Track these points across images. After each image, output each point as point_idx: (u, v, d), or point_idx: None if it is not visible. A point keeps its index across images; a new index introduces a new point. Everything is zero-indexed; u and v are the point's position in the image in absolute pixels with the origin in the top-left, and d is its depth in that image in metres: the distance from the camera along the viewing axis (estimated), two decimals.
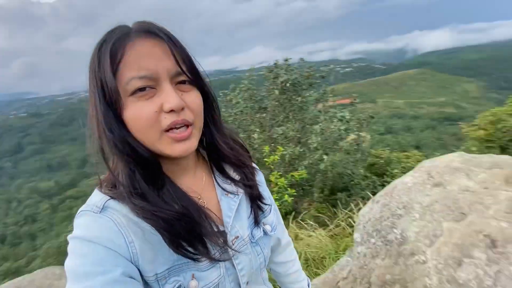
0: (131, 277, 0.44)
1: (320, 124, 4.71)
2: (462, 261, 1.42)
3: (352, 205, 3.22)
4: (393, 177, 4.80)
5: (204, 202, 0.57)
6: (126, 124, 0.47)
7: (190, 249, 0.48)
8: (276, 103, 5.48)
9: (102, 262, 0.43)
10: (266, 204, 0.66)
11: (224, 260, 0.54)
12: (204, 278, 0.52)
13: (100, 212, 0.47)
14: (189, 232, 0.48)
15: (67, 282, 0.43)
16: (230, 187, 0.62)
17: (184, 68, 0.48)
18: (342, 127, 4.48)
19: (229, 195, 0.61)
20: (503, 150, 3.83)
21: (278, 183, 3.02)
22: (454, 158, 1.94)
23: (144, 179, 0.48)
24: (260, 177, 0.69)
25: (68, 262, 0.44)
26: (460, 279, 1.37)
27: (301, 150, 4.75)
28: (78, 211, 0.49)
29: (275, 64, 6.08)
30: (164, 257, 0.48)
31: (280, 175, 3.22)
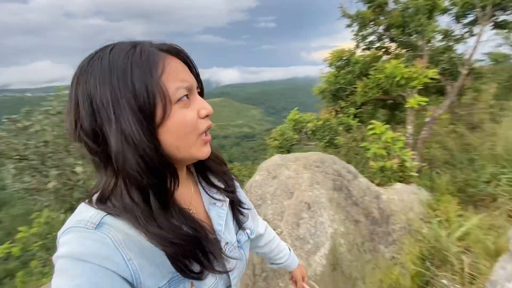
0: None
1: None
2: (299, 223, 2.13)
3: None
4: None
5: (193, 212, 0.58)
6: (159, 135, 0.46)
7: (194, 269, 0.49)
8: None
9: (98, 285, 0.40)
10: (246, 209, 0.71)
11: (225, 272, 0.57)
12: (202, 285, 0.54)
13: (95, 228, 0.44)
14: (197, 252, 0.50)
15: None
16: (217, 195, 0.64)
17: (201, 82, 0.56)
18: None
19: (217, 203, 0.64)
20: (289, 152, 5.72)
21: None
22: (277, 158, 2.80)
23: (157, 199, 0.47)
24: (237, 184, 0.72)
25: (59, 282, 0.40)
26: (301, 235, 2.05)
27: None
28: (65, 228, 0.45)
29: None
30: (164, 270, 0.48)
31: None
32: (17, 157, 4.67)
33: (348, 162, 3.39)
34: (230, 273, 0.61)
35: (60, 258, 0.42)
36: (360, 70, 4.93)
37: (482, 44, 4.29)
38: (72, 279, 0.40)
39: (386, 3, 4.25)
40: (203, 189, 0.64)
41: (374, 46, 5.08)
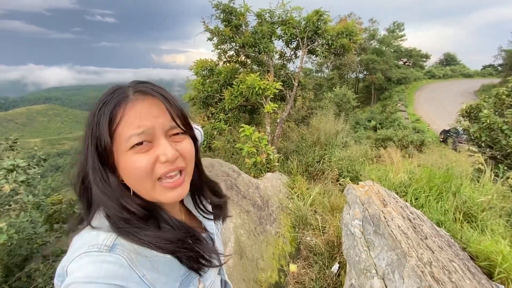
0: None
1: None
2: None
3: None
4: None
5: (183, 219, 0.64)
6: (120, 176, 0.52)
7: (203, 261, 0.55)
8: None
9: None
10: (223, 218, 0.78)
11: (221, 265, 0.63)
12: (207, 278, 0.60)
13: (109, 251, 0.46)
14: (195, 249, 0.55)
15: None
16: (206, 214, 0.71)
17: (178, 122, 0.53)
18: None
19: (207, 218, 0.71)
20: None
21: None
22: None
23: (143, 218, 0.51)
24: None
25: None
26: None
27: None
28: (76, 254, 0.45)
29: None
30: (173, 277, 0.53)
31: None
32: None
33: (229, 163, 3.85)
34: (223, 267, 0.70)
35: (75, 284, 0.42)
36: (224, 80, 5.55)
37: (304, 63, 6.04)
38: None
39: (240, 25, 5.05)
40: (197, 209, 0.70)
41: (233, 60, 5.87)
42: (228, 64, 5.84)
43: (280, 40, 5.70)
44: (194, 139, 0.60)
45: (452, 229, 2.62)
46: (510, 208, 3.07)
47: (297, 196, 3.99)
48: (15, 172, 3.70)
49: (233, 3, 4.89)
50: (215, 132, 5.12)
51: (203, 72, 5.89)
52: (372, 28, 32.26)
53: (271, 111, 4.86)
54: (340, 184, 4.87)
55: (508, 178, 3.79)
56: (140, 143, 0.49)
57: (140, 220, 0.51)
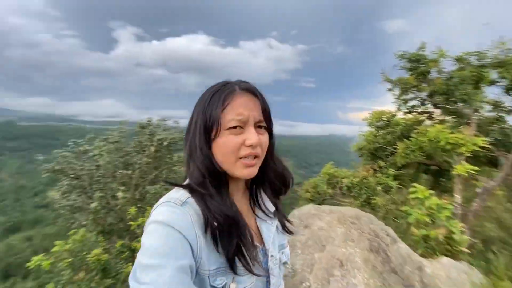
0: (191, 271, 0.54)
1: None
2: (329, 280, 1.99)
3: None
4: None
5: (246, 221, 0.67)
6: (213, 148, 0.64)
7: (243, 257, 0.59)
8: (150, 160, 5.23)
9: (177, 248, 0.53)
10: (290, 233, 0.79)
11: (262, 275, 0.64)
12: (242, 282, 0.62)
13: (181, 205, 0.58)
14: (238, 237, 0.60)
15: (142, 255, 0.52)
16: (265, 216, 0.75)
17: (265, 118, 0.67)
18: None
19: (267, 220, 0.75)
20: (321, 204, 5.53)
21: None
22: (310, 207, 2.76)
23: (213, 185, 0.63)
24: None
25: (148, 240, 0.53)
26: None
27: None
28: (161, 202, 0.60)
29: (148, 121, 6.02)
30: (214, 258, 0.59)
31: None
32: (73, 175, 5.23)
33: (386, 225, 3.18)
34: (271, 283, 0.69)
35: (153, 223, 0.56)
36: (401, 131, 4.89)
37: None
38: (159, 238, 0.53)
39: (428, 72, 4.40)
40: (257, 207, 0.75)
41: (416, 111, 5.10)
42: (408, 114, 5.13)
43: (495, 85, 4.26)
44: (271, 134, 0.71)
45: None
46: None
47: None
48: None
49: (423, 51, 4.38)
50: (379, 188, 4.48)
51: (378, 124, 5.53)
52: None
53: (466, 174, 3.58)
54: None
55: None
56: (235, 127, 0.62)
57: (212, 188, 0.62)
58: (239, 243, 0.60)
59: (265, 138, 0.67)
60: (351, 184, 4.77)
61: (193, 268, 0.54)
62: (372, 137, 5.41)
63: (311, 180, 6.03)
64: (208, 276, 0.58)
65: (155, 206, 0.60)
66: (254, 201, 0.76)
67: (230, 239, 0.59)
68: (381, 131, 5.37)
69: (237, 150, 0.62)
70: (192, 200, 0.60)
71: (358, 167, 5.54)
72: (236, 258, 0.59)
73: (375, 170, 5.17)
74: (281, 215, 0.78)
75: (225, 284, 0.59)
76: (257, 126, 0.66)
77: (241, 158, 0.63)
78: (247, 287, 0.63)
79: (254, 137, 0.63)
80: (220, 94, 0.64)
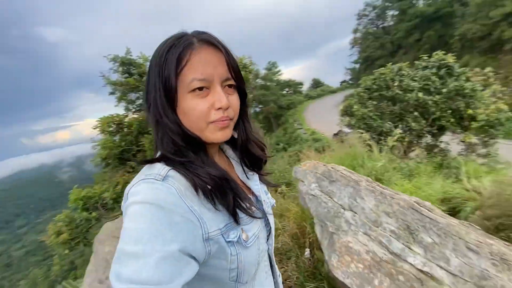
0: (188, 254, 0.48)
1: None
2: None
3: None
4: None
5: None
6: (178, 114, 0.57)
7: (243, 205, 0.58)
8: None
9: (164, 231, 0.46)
10: (273, 185, 0.81)
11: (264, 217, 0.67)
12: (250, 229, 0.61)
13: (163, 180, 0.51)
14: (232, 191, 0.57)
15: (123, 242, 0.45)
16: (245, 171, 0.73)
17: (233, 75, 0.59)
18: None
19: (249, 173, 0.73)
20: (86, 238, 4.63)
21: None
22: None
23: (192, 150, 0.57)
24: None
25: (130, 224, 0.46)
26: None
27: None
28: (136, 181, 0.52)
29: None
30: (218, 217, 0.55)
31: None
32: None
33: None
34: (271, 224, 0.71)
35: (134, 204, 0.48)
36: (137, 130, 5.33)
37: None
38: (150, 220, 0.46)
39: (144, 72, 5.13)
40: (237, 164, 0.74)
41: (144, 109, 5.74)
42: (138, 113, 5.68)
43: None
44: (244, 94, 0.65)
45: None
46: (399, 166, 4.18)
47: None
48: None
49: (130, 55, 4.98)
50: None
51: (110, 129, 5.49)
52: (255, 68, 37.77)
53: None
54: (279, 193, 5.22)
55: (388, 147, 5.10)
56: (201, 88, 0.55)
57: (191, 153, 0.57)
58: (235, 196, 0.58)
59: (235, 98, 0.61)
60: (116, 195, 4.51)
61: (188, 249, 0.48)
62: (111, 143, 5.30)
63: (57, 218, 4.73)
64: (222, 234, 0.55)
65: (128, 187, 0.52)
66: (241, 159, 0.73)
67: (226, 196, 0.56)
68: (118, 135, 5.44)
69: (206, 115, 0.56)
70: (173, 173, 0.53)
71: (110, 178, 5.25)
72: (237, 210, 0.58)
73: (129, 172, 5.25)
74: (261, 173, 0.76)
75: (239, 235, 0.57)
76: (225, 85, 0.59)
77: (212, 122, 0.57)
78: (256, 233, 0.63)
79: (223, 98, 0.56)
80: (176, 50, 0.55)
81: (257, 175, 0.74)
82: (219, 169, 0.58)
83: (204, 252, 0.51)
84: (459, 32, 22.84)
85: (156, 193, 0.48)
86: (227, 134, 0.60)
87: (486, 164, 5.23)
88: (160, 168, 0.53)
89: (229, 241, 0.55)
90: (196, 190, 0.53)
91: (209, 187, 0.54)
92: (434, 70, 6.12)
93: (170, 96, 0.56)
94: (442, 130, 6.74)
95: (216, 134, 0.58)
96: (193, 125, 0.57)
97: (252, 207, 0.61)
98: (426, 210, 1.35)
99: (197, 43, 0.56)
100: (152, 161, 0.57)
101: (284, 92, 43.25)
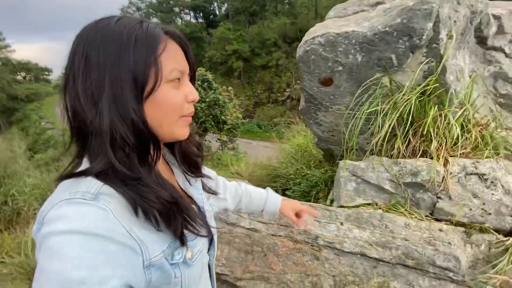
0: (128, 287, 0.42)
1: None
2: None
3: None
4: None
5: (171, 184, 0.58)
6: (145, 108, 0.47)
7: (190, 228, 0.52)
8: None
9: (103, 264, 0.38)
10: (213, 193, 0.76)
11: (209, 236, 0.61)
12: (195, 245, 0.55)
13: (94, 200, 0.41)
14: (181, 215, 0.50)
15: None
16: (189, 176, 0.66)
17: (194, 70, 0.58)
18: None
19: (191, 180, 0.66)
20: None
21: None
22: None
23: (140, 163, 0.46)
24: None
25: (52, 265, 0.37)
26: None
27: None
28: (56, 201, 0.41)
29: None
30: (161, 237, 0.48)
31: None
32: None
33: None
34: (215, 236, 0.67)
35: (56, 235, 0.37)
36: None
37: None
38: (79, 257, 0.36)
39: None
40: (177, 169, 0.66)
41: None
42: None
43: None
44: None
45: None
46: None
47: None
48: None
49: None
50: None
51: None
52: None
53: None
54: None
55: None
56: (178, 79, 0.51)
57: (138, 163, 0.46)
58: (184, 220, 0.51)
59: None
60: None
61: (128, 282, 0.42)
62: None
63: None
64: (165, 257, 0.48)
65: (44, 209, 0.41)
66: (178, 164, 0.66)
67: (174, 221, 0.49)
68: None
69: (180, 107, 0.51)
70: (107, 189, 0.43)
71: None
72: (184, 231, 0.51)
73: None
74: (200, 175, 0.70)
75: (184, 255, 0.51)
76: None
77: (183, 116, 0.53)
78: (200, 248, 0.57)
79: (195, 91, 0.55)
80: (149, 34, 0.47)
81: (201, 182, 0.70)
82: (169, 189, 0.50)
83: (143, 281, 0.45)
84: (208, 55, 29.40)
85: (86, 218, 0.38)
86: (188, 131, 0.57)
87: (234, 155, 7.42)
88: (89, 184, 0.42)
89: (173, 263, 0.49)
90: (136, 212, 0.45)
91: (155, 212, 0.46)
92: (199, 83, 7.59)
93: (141, 87, 0.46)
94: (205, 131, 8.62)
95: (183, 130, 0.54)
96: (164, 119, 0.50)
97: (199, 225, 0.54)
98: None
99: (165, 35, 0.50)
100: (79, 174, 0.44)
101: (19, 77, 31.37)
